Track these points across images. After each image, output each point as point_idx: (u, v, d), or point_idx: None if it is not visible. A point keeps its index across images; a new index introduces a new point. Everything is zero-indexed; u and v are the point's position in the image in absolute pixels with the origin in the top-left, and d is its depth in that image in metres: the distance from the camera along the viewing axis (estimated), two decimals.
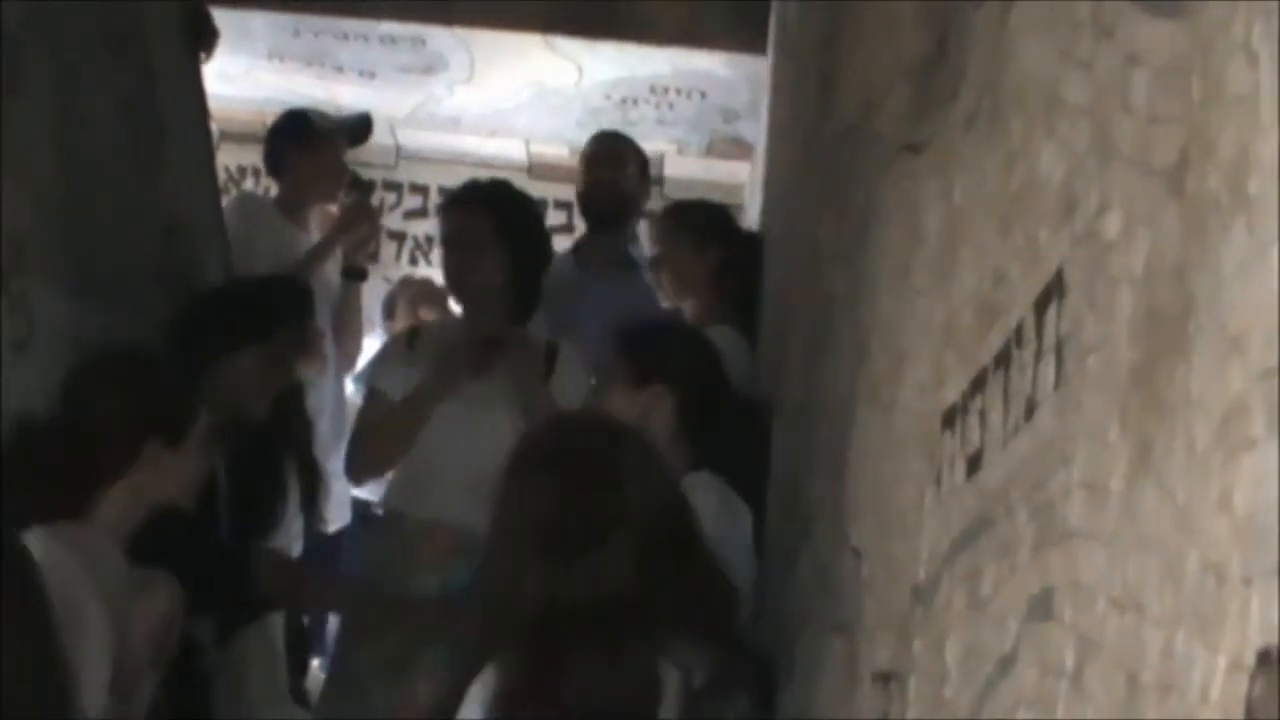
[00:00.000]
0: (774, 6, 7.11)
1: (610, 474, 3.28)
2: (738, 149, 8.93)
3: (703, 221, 6.04)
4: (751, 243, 6.11)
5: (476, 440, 4.82)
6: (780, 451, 4.66)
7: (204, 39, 5.78)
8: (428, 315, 7.26)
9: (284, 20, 8.10)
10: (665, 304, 6.06)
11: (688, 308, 5.83)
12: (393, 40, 8.24)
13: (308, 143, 6.47)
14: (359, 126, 6.86)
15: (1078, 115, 1.84)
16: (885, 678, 2.73)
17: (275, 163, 6.63)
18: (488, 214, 5.03)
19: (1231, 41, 1.37)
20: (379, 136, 8.85)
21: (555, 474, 3.26)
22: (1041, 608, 1.83)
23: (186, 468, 3.85)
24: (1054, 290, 1.87)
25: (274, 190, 7.02)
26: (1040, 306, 1.92)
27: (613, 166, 6.50)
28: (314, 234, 6.44)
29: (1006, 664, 1.96)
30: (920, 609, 2.50)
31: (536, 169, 9.32)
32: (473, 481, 4.75)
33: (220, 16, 6.26)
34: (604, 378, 4.65)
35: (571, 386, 4.91)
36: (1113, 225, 1.67)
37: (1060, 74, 1.93)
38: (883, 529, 2.90)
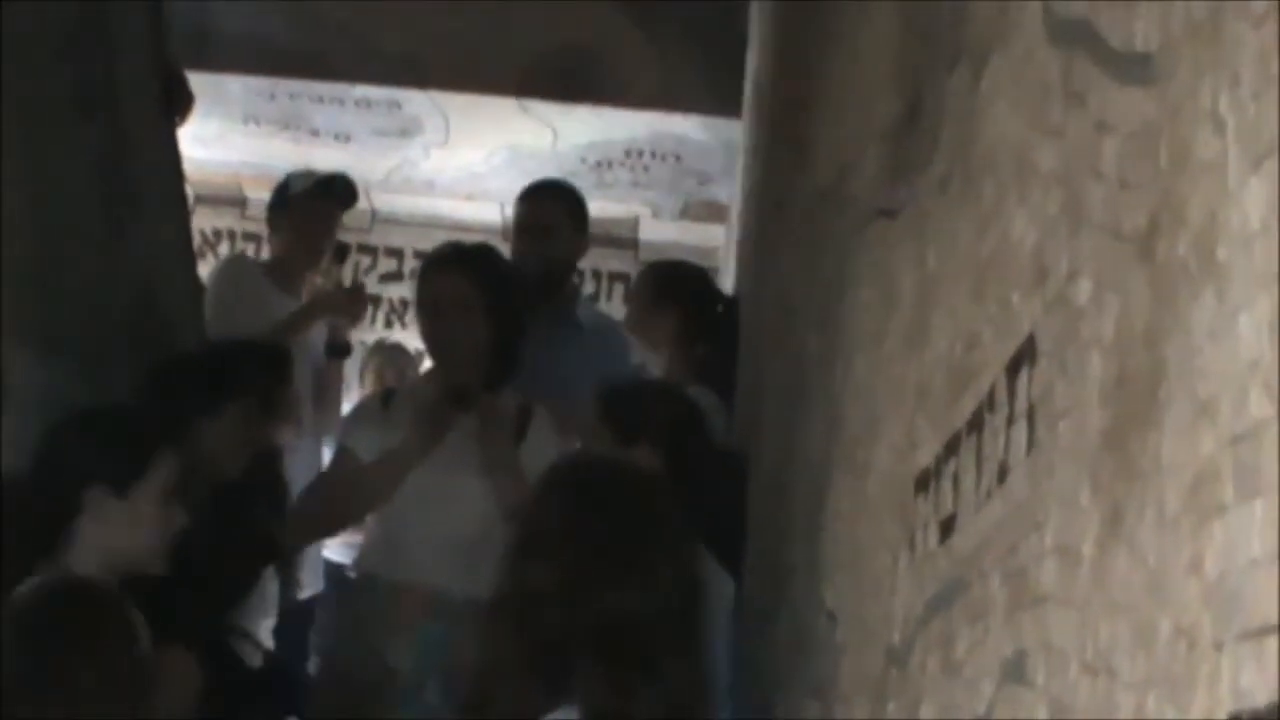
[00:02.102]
0: (747, 70, 7.14)
1: (657, 497, 3.27)
2: (712, 211, 8.96)
3: (662, 281, 5.98)
4: (724, 302, 6.08)
5: (449, 503, 4.81)
6: (757, 514, 4.65)
7: (179, 104, 5.78)
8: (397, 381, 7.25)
9: (259, 84, 8.12)
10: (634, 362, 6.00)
11: (657, 368, 5.80)
12: (368, 104, 8.26)
13: (284, 205, 6.47)
14: (335, 184, 6.77)
15: (1049, 181, 1.85)
16: None
17: (270, 229, 6.69)
18: (469, 278, 4.98)
19: (1199, 109, 1.39)
20: None
21: (612, 495, 3.21)
22: (1015, 671, 1.83)
23: (140, 520, 3.81)
24: (1025, 355, 1.88)
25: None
26: (1012, 371, 1.93)
27: (544, 234, 6.18)
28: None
29: None
30: (895, 672, 2.50)
31: (511, 232, 9.32)
32: (446, 544, 4.74)
33: (196, 80, 6.27)
34: (586, 439, 4.62)
35: (545, 450, 4.89)
36: (1083, 291, 1.68)
37: (1031, 140, 1.95)
38: (857, 592, 2.90)
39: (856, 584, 2.92)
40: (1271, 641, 1.18)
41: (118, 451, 3.89)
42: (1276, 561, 1.18)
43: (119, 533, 3.81)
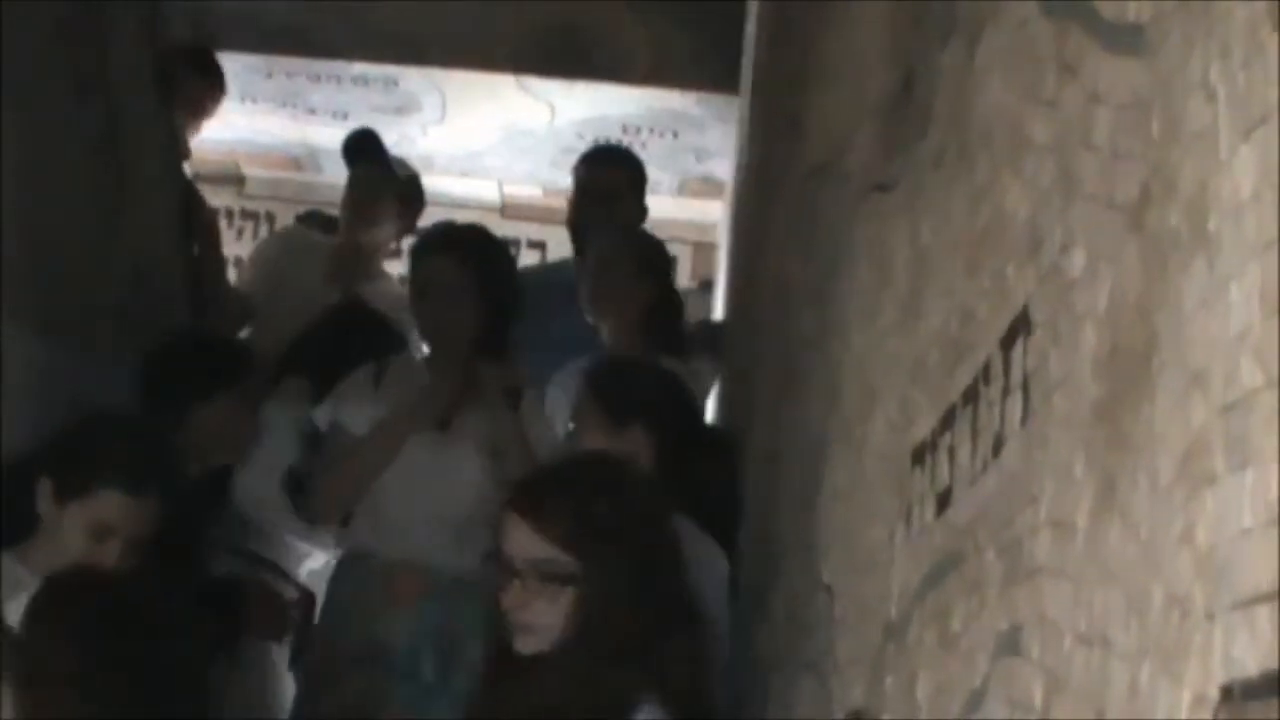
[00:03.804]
0: (745, 46, 7.13)
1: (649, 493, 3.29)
2: (710, 188, 8.95)
3: (643, 252, 5.88)
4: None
5: (444, 480, 4.80)
6: (753, 491, 4.65)
7: (213, 86, 5.79)
8: None
9: (257, 62, 8.11)
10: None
11: (614, 337, 5.67)
12: (365, 81, 8.25)
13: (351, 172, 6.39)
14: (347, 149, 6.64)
15: (1042, 153, 1.85)
16: (857, 716, 2.73)
17: None
18: (459, 262, 4.96)
19: (1190, 79, 1.38)
20: None
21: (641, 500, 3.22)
22: (1010, 644, 1.83)
23: (60, 537, 3.74)
24: (1020, 327, 1.88)
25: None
26: (1007, 344, 1.93)
27: (609, 199, 6.17)
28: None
29: (976, 700, 1.97)
30: (891, 646, 2.50)
31: (509, 209, 9.31)
32: (441, 521, 4.75)
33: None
34: (578, 420, 4.60)
35: (535, 429, 4.90)
36: (1077, 262, 1.68)
37: (1025, 112, 1.94)
38: (853, 566, 2.90)
39: (853, 559, 2.92)
40: (1263, 611, 1.18)
41: (66, 455, 3.85)
42: (1267, 531, 1.18)
43: (61, 542, 3.77)
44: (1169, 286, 1.40)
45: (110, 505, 3.74)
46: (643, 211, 6.38)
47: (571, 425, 4.57)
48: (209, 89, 6.45)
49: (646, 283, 5.69)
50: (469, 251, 5.00)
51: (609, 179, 6.21)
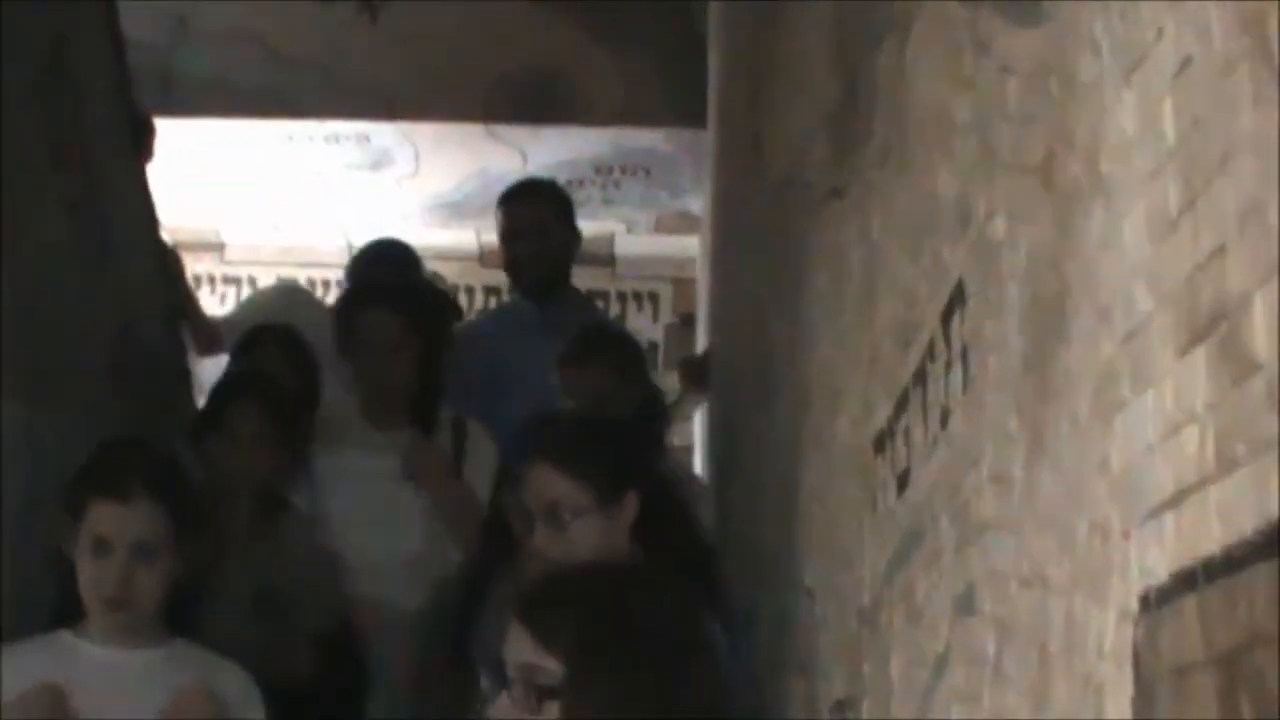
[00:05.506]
0: (711, 78, 7.21)
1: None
2: (686, 223, 9.00)
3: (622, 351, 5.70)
4: None
5: (393, 520, 4.84)
6: (739, 510, 4.69)
7: (143, 143, 5.83)
8: None
9: (230, 125, 8.18)
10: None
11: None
12: (337, 139, 8.32)
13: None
14: None
15: (966, 132, 1.93)
16: (841, 706, 2.79)
17: None
18: (397, 312, 4.97)
19: (1080, 37, 1.46)
20: (332, 237, 8.95)
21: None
22: (965, 604, 1.90)
23: (85, 558, 3.70)
24: (956, 301, 1.95)
25: None
26: (946, 318, 2.00)
27: (534, 233, 6.09)
28: None
29: (941, 665, 2.03)
30: (866, 632, 2.57)
31: (488, 257, 9.37)
32: (390, 560, 4.80)
33: (166, 125, 6.32)
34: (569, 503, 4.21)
35: (485, 462, 4.94)
36: (999, 228, 1.75)
37: (949, 95, 2.02)
38: (831, 565, 2.96)
39: (830, 557, 2.98)
40: (1169, 517, 1.25)
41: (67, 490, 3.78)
42: (1167, 442, 1.26)
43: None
44: (1075, 235, 1.48)
45: (101, 516, 3.65)
46: (574, 239, 6.34)
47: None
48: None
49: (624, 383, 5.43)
50: (402, 303, 5.04)
51: (527, 213, 6.20)
